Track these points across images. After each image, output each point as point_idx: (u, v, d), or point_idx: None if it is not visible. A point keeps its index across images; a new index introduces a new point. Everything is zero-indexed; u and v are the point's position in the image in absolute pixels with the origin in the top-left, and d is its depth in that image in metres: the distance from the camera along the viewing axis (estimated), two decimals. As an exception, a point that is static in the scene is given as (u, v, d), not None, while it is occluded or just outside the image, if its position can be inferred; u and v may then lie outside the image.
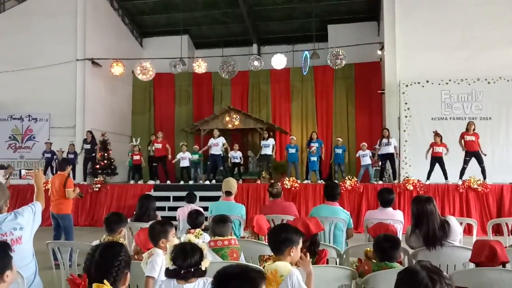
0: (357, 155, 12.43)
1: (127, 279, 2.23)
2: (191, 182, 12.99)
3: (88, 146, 13.51)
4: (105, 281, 2.04)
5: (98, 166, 13.45)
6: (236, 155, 13.25)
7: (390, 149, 11.71)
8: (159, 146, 13.09)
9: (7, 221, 3.13)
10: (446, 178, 10.82)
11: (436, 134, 11.11)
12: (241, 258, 3.58)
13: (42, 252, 4.09)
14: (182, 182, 12.96)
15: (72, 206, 7.68)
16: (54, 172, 13.31)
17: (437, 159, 10.96)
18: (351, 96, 16.98)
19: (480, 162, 10.60)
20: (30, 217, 3.27)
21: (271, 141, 13.03)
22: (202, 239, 4.25)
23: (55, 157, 13.51)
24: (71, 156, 13.26)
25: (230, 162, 13.27)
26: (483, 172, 10.50)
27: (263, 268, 2.78)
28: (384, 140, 11.73)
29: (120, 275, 2.14)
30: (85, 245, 4.41)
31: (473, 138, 10.71)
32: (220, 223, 3.66)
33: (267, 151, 12.85)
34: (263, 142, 13.04)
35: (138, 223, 5.03)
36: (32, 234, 3.29)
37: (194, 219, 4.48)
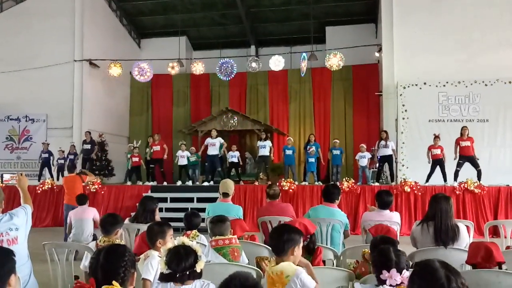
0: (356, 158, 12.42)
1: (134, 279, 2.22)
2: (189, 183, 12.92)
3: (88, 146, 13.44)
4: (114, 282, 2.03)
5: (94, 167, 13.43)
6: (234, 155, 13.13)
7: (388, 151, 11.70)
8: (158, 148, 13.00)
9: (2, 222, 3.16)
10: (445, 180, 10.82)
11: (436, 136, 11.11)
12: (242, 257, 3.60)
13: (37, 252, 4.08)
14: (179, 183, 12.91)
15: None
16: (53, 172, 13.30)
17: (437, 162, 10.95)
18: (349, 98, 17.01)
19: (476, 166, 10.60)
20: (24, 219, 3.31)
21: (267, 143, 12.94)
22: (198, 240, 4.25)
23: (52, 157, 13.47)
24: (71, 156, 13.23)
25: (228, 162, 13.17)
26: (479, 175, 10.48)
27: (267, 269, 2.78)
28: (382, 142, 11.72)
29: (127, 275, 2.14)
30: (81, 246, 4.41)
31: (468, 143, 10.71)
32: (219, 223, 3.68)
33: (264, 152, 12.78)
34: (259, 143, 12.97)
35: (136, 224, 5.02)
36: (27, 235, 3.32)
37: (190, 221, 4.47)
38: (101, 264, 2.13)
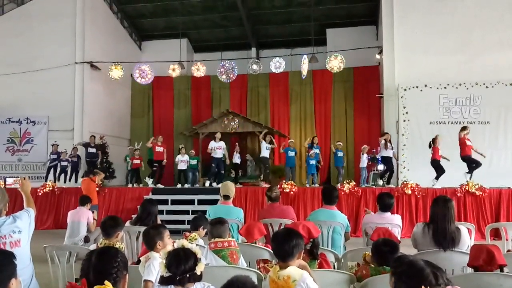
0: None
1: (126, 281, 2.22)
2: (187, 186, 12.90)
3: (93, 150, 13.39)
4: (106, 282, 2.03)
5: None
6: (237, 156, 13.33)
7: (391, 153, 11.65)
8: (161, 149, 13.00)
9: (6, 224, 3.17)
10: (437, 178, 10.70)
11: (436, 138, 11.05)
12: (240, 260, 3.60)
13: (38, 254, 4.07)
14: (179, 185, 12.89)
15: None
16: (58, 175, 13.25)
17: (437, 163, 10.87)
18: (350, 100, 17.00)
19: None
20: (27, 222, 3.32)
21: (269, 145, 13.05)
22: (196, 243, 4.26)
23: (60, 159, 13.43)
24: (74, 159, 13.19)
25: (232, 163, 13.19)
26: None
27: (271, 274, 2.77)
28: (389, 144, 11.60)
29: (120, 276, 2.14)
30: (83, 249, 4.41)
31: (470, 142, 10.66)
32: (218, 225, 3.72)
33: (266, 153, 12.86)
34: (267, 145, 12.93)
35: (137, 227, 5.02)
36: (29, 238, 3.33)
37: (197, 220, 4.52)
38: (93, 264, 2.13)
